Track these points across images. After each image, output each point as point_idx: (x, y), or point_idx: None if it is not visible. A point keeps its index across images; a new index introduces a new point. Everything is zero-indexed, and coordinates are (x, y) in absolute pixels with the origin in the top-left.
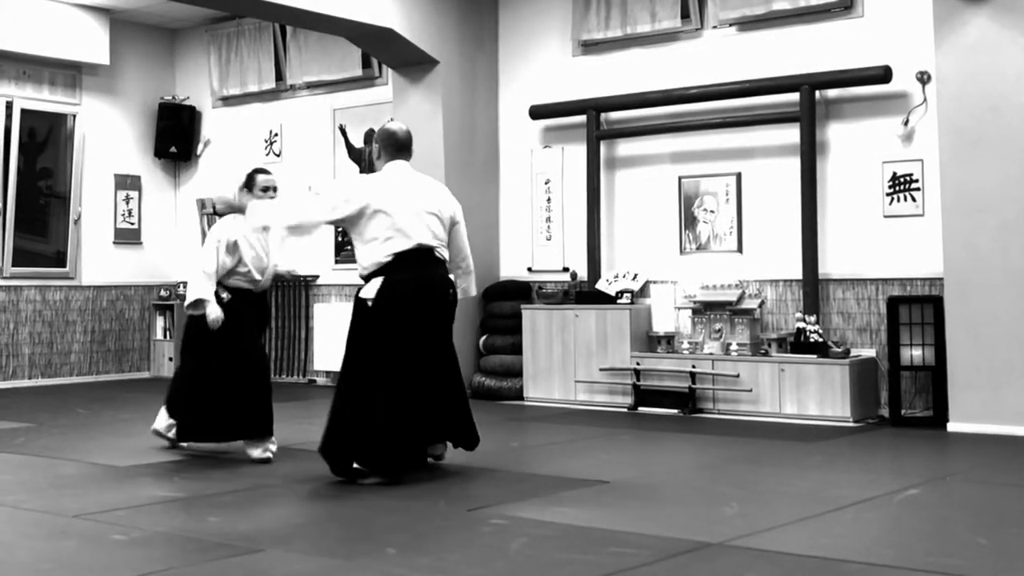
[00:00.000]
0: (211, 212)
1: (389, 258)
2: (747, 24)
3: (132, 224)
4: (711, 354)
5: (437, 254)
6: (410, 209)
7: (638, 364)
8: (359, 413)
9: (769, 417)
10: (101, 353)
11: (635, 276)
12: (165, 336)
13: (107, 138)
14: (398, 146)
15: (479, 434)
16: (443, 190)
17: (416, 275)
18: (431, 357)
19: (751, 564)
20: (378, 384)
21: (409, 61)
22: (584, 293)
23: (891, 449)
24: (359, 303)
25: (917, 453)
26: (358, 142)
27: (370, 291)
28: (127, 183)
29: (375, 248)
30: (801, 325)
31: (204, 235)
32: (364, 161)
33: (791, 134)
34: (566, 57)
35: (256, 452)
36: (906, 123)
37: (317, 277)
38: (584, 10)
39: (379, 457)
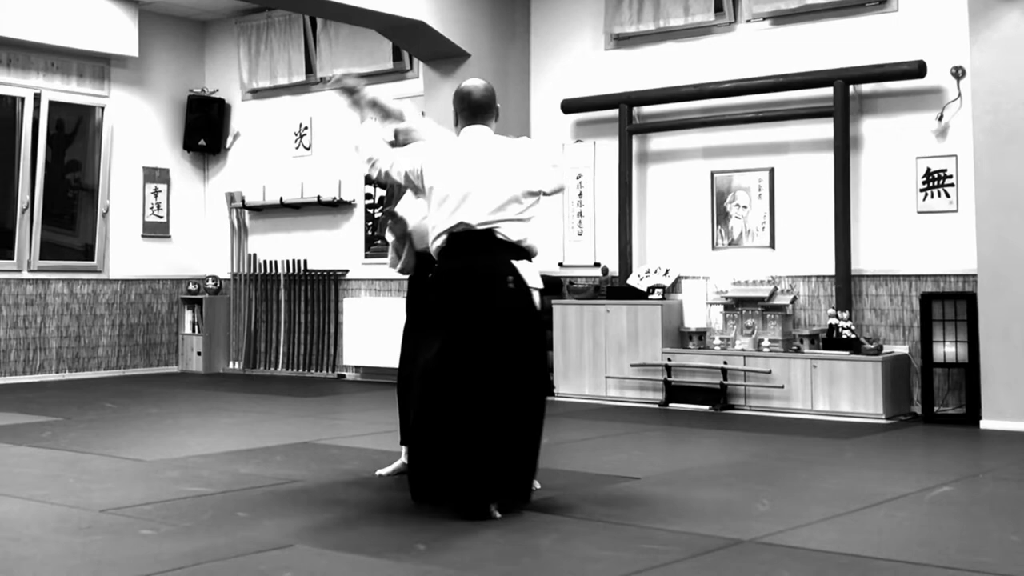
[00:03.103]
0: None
1: (443, 242)
2: (781, 18)
3: (160, 217)
4: (743, 350)
5: (499, 236)
6: (471, 182)
7: (669, 360)
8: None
9: (801, 414)
10: (129, 347)
11: (667, 271)
12: (193, 330)
13: (136, 131)
14: (473, 108)
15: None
16: (523, 157)
17: (464, 263)
18: (474, 368)
19: (782, 561)
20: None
21: (440, 54)
22: (615, 288)
23: (924, 446)
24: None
25: (950, 450)
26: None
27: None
28: (156, 176)
29: (433, 231)
30: (833, 321)
31: (233, 229)
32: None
33: (824, 129)
34: (598, 51)
35: None
36: (940, 118)
37: (347, 272)
38: (616, 3)
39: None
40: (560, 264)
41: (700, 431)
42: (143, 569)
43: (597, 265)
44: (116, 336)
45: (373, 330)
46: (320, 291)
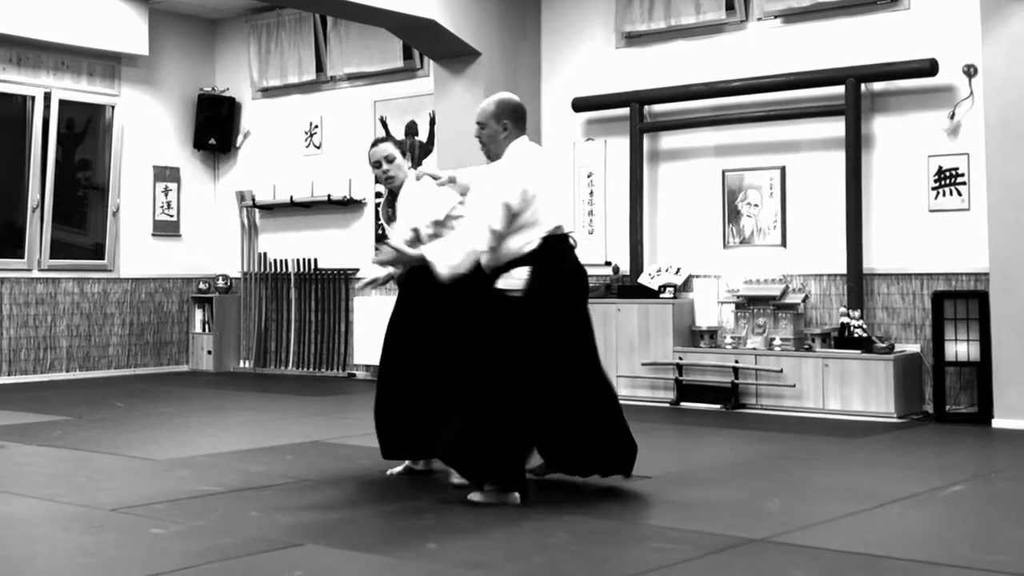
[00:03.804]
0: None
1: (535, 245)
2: (792, 16)
3: (171, 216)
4: (754, 349)
5: (572, 238)
6: (555, 188)
7: (680, 359)
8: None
9: (812, 413)
10: (139, 346)
11: (678, 270)
12: (204, 329)
13: (146, 129)
14: (525, 119)
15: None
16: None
17: (561, 266)
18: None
19: (794, 560)
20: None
21: (451, 53)
22: (626, 287)
23: (935, 445)
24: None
25: (961, 449)
26: (399, 134)
27: (516, 281)
28: (166, 175)
29: (522, 235)
30: (845, 320)
31: (243, 227)
32: (405, 154)
33: (836, 127)
34: (609, 49)
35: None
36: (952, 116)
37: (357, 270)
38: (627, 2)
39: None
40: None
41: (711, 430)
42: (153, 568)
43: (608, 263)
44: (126, 335)
45: (383, 329)
46: (330, 290)
